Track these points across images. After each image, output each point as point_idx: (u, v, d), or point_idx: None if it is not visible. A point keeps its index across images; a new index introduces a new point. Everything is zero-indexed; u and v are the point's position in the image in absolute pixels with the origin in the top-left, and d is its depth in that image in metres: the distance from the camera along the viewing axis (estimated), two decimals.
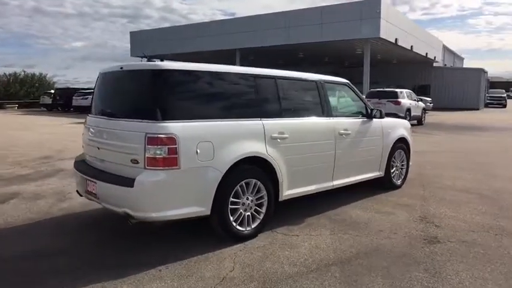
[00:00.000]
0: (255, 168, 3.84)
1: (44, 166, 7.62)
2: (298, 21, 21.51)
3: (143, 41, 29.28)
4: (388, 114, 6.07)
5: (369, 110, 5.29)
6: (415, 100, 17.94)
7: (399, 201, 5.21)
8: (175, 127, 3.32)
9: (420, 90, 30.05)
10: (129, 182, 3.28)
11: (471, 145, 11.48)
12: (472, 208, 4.92)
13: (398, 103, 16.36)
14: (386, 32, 19.99)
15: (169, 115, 3.34)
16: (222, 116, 3.70)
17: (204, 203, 3.48)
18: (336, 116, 4.82)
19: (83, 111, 20.07)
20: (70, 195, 5.37)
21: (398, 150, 5.83)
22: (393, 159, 5.73)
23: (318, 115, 4.61)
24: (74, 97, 25.69)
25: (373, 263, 3.35)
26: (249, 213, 3.84)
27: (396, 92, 17.08)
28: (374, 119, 5.32)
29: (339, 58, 28.87)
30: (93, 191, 3.70)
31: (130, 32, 31.32)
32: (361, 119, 5.17)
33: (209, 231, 3.78)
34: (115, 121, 3.60)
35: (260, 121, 3.95)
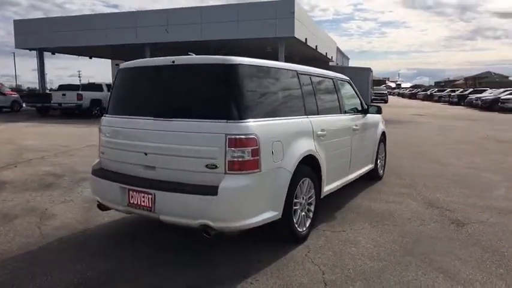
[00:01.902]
0: (307, 167, 3.77)
1: None
2: (214, 17, 21.27)
3: (30, 32, 25.61)
4: None
5: (366, 106, 5.58)
6: None
7: (395, 191, 5.63)
8: (255, 127, 3.07)
9: None
10: (210, 190, 2.93)
11: (394, 137, 12.84)
12: (457, 192, 5.57)
13: None
14: (299, 32, 21.05)
15: (246, 114, 3.07)
16: (283, 113, 3.55)
17: (278, 206, 3.30)
18: (347, 113, 4.98)
19: None
20: (52, 210, 4.56)
21: (381, 143, 6.28)
22: (378, 151, 6.15)
23: (338, 112, 4.72)
24: None
25: (435, 248, 3.58)
26: (303, 213, 3.76)
27: None
28: (368, 114, 5.63)
29: (250, 56, 29.34)
30: (145, 204, 3.20)
31: (14, 21, 27.05)
32: (361, 115, 5.42)
33: (252, 237, 3.60)
34: (176, 122, 3.15)
35: (308, 118, 3.89)
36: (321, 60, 33.82)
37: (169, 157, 3.15)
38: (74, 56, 32.07)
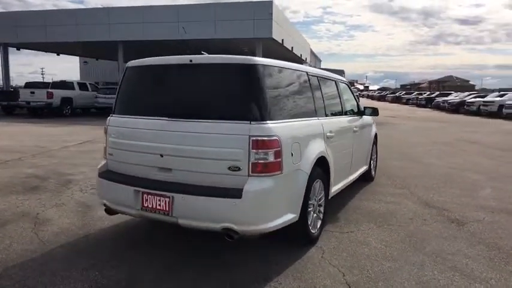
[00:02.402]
0: (319, 168, 3.77)
1: None
2: (191, 16, 21.01)
3: None
4: None
5: (362, 107, 5.66)
6: None
7: (389, 191, 5.75)
8: (277, 128, 3.04)
9: None
10: (234, 192, 2.87)
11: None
12: (447, 192, 5.76)
13: None
14: (276, 33, 21.17)
15: (268, 115, 3.03)
16: (299, 115, 3.54)
17: (296, 208, 3.28)
18: (348, 114, 5.04)
19: None
20: (45, 215, 4.34)
21: (374, 145, 6.39)
22: (372, 152, 6.27)
23: (341, 113, 4.77)
24: None
25: (443, 247, 3.68)
26: (315, 214, 3.76)
27: None
28: (364, 116, 5.71)
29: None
30: (161, 207, 3.09)
31: None
32: (359, 116, 5.50)
33: (262, 238, 3.57)
34: (196, 123, 3.06)
35: (319, 120, 3.90)
36: (296, 62, 34.16)
37: (188, 159, 3.06)
38: (36, 52, 30.71)
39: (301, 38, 32.31)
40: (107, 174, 3.50)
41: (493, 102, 24.16)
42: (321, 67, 51.48)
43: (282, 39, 22.84)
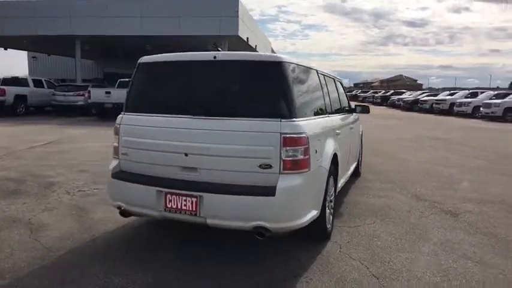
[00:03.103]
0: (332, 165, 3.84)
1: None
2: (154, 11, 20.40)
3: None
4: None
5: (352, 105, 5.82)
6: None
7: (378, 186, 5.97)
8: (305, 125, 3.06)
9: None
10: (267, 190, 2.86)
11: None
12: (431, 185, 6.07)
13: None
14: (241, 31, 21.12)
15: (296, 112, 3.05)
16: (316, 112, 3.59)
17: (318, 204, 3.34)
18: (345, 112, 5.17)
19: None
20: (38, 220, 4.10)
21: (360, 141, 6.60)
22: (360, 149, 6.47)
23: (341, 111, 4.88)
24: None
25: (448, 237, 3.89)
26: (329, 210, 3.83)
27: None
28: (354, 113, 5.87)
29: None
30: (188, 208, 3.02)
31: None
32: (351, 114, 5.64)
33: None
34: (224, 121, 3.01)
35: (330, 117, 3.97)
36: None
37: (216, 158, 3.00)
38: None
39: (263, 36, 32.50)
40: (121, 174, 3.35)
41: (444, 100, 25.71)
42: None
43: (247, 37, 22.84)
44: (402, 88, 52.06)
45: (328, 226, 3.75)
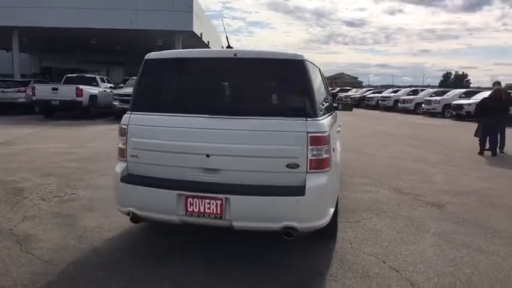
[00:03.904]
0: None
1: None
2: (106, 3, 19.32)
3: None
4: None
5: (335, 103, 5.94)
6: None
7: (359, 181, 6.18)
8: (326, 124, 3.07)
9: None
10: (297, 190, 2.83)
11: None
12: (408, 179, 6.39)
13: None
14: (195, 26, 20.74)
15: (319, 111, 3.05)
16: (326, 111, 3.60)
17: (334, 202, 3.37)
18: (334, 109, 5.26)
19: None
20: (21, 230, 3.74)
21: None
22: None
23: (332, 108, 4.95)
24: None
25: (444, 228, 4.13)
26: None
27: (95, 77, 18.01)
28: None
29: (134, 48, 27.55)
30: (212, 211, 2.90)
31: None
32: (335, 112, 5.76)
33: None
34: (248, 120, 2.91)
35: (333, 114, 4.03)
36: None
37: (240, 158, 2.91)
38: None
39: (215, 32, 32.14)
40: (131, 178, 3.13)
41: (389, 97, 27.19)
42: None
43: (201, 33, 22.50)
44: (345, 85, 54.23)
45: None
